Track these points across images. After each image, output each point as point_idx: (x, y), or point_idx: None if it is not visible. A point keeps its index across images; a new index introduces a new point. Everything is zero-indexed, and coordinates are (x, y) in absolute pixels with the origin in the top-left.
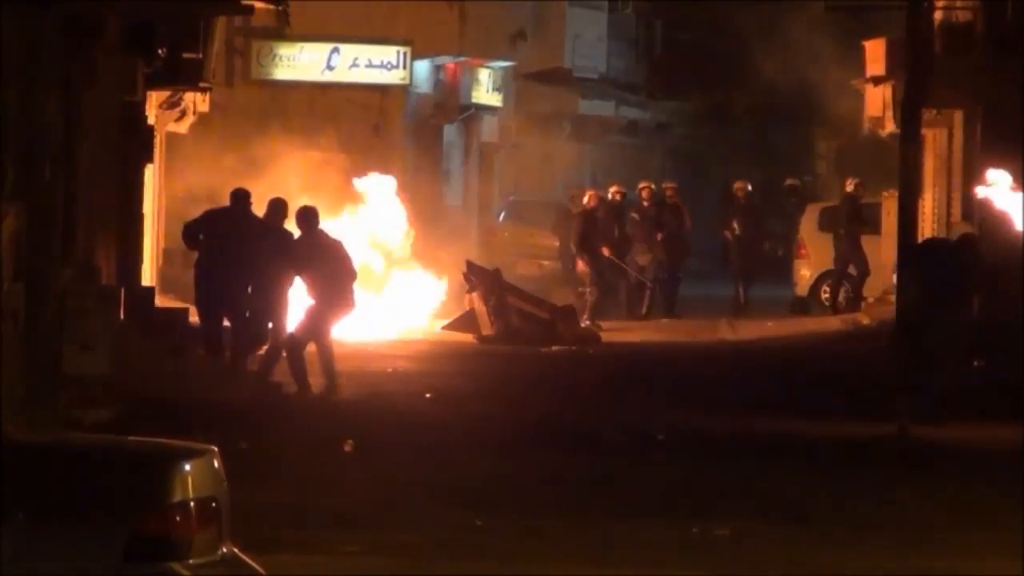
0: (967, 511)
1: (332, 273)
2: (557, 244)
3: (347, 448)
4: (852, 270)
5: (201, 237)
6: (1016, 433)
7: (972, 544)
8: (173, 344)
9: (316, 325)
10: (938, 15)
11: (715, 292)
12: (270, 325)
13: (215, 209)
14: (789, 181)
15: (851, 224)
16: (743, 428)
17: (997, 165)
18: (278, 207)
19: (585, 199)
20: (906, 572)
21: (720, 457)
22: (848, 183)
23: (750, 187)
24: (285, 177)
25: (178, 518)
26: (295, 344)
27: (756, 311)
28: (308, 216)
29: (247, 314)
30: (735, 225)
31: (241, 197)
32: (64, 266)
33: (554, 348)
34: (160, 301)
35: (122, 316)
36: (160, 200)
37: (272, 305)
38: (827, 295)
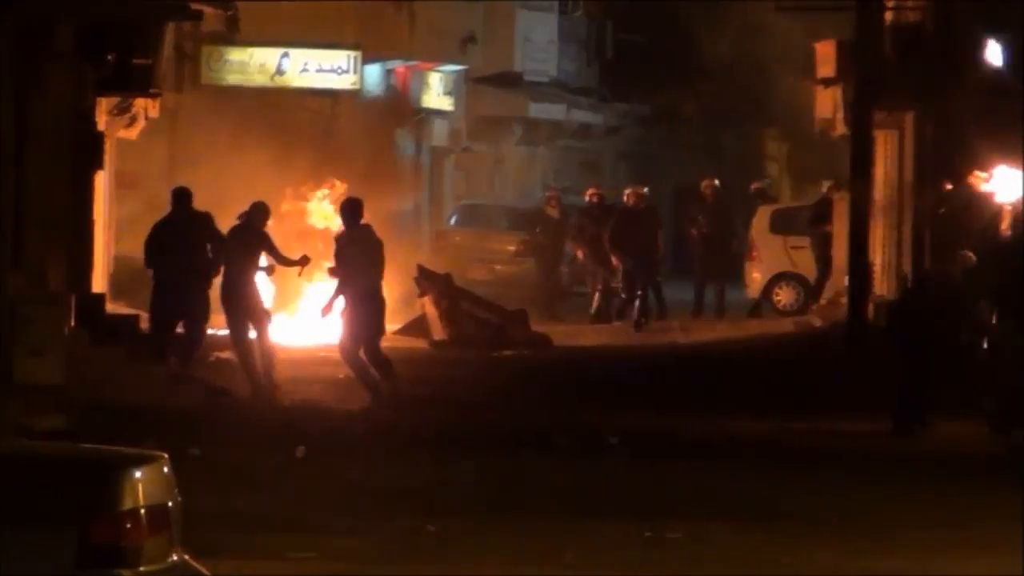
0: (926, 510)
1: (366, 271)
2: (513, 248)
3: (299, 454)
4: (796, 269)
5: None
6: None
7: (930, 543)
8: (124, 350)
9: (357, 328)
10: (888, 16)
11: (673, 295)
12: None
13: (161, 220)
14: (756, 185)
15: (819, 226)
16: (695, 430)
17: (947, 166)
18: (259, 209)
19: (624, 197)
20: (861, 572)
21: (673, 459)
22: (823, 185)
23: (717, 183)
24: (236, 182)
25: (129, 525)
26: (349, 351)
27: (711, 313)
28: (353, 209)
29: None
30: (702, 223)
31: (183, 197)
32: (14, 272)
33: (506, 352)
34: (111, 307)
35: (72, 323)
36: (110, 206)
37: (232, 309)
38: (779, 298)
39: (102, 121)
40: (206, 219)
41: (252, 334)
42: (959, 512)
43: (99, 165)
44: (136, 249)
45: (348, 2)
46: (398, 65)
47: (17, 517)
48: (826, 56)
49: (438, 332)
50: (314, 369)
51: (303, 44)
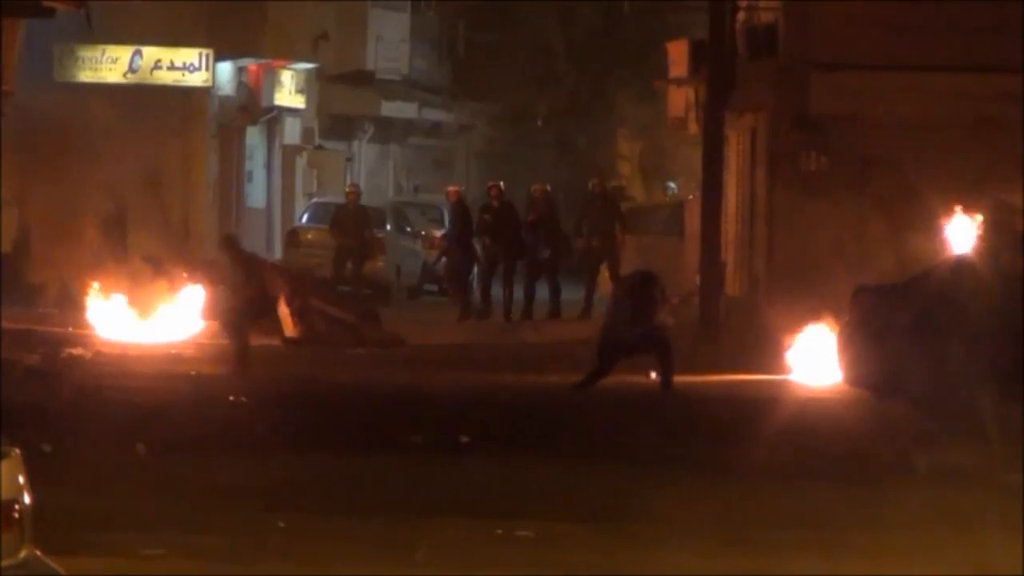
0: (782, 508)
1: None
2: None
3: (139, 451)
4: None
5: None
6: None
7: (784, 544)
8: None
9: None
10: (741, 15)
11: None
12: None
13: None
14: (613, 182)
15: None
16: (549, 429)
17: (790, 165)
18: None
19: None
20: (713, 571)
21: (526, 458)
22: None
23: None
24: (89, 181)
25: None
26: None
27: (566, 312)
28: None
29: None
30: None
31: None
32: None
33: (358, 350)
34: None
35: None
36: None
37: None
38: None
39: None
40: None
41: None
42: (819, 512)
43: None
44: None
45: (201, 0)
46: (250, 63)
47: None
48: (678, 56)
49: (290, 329)
50: (164, 366)
51: (155, 42)
